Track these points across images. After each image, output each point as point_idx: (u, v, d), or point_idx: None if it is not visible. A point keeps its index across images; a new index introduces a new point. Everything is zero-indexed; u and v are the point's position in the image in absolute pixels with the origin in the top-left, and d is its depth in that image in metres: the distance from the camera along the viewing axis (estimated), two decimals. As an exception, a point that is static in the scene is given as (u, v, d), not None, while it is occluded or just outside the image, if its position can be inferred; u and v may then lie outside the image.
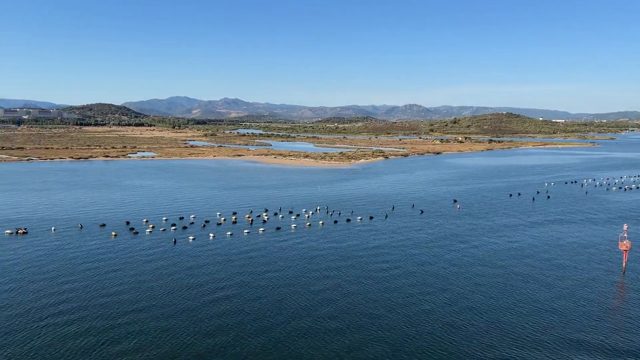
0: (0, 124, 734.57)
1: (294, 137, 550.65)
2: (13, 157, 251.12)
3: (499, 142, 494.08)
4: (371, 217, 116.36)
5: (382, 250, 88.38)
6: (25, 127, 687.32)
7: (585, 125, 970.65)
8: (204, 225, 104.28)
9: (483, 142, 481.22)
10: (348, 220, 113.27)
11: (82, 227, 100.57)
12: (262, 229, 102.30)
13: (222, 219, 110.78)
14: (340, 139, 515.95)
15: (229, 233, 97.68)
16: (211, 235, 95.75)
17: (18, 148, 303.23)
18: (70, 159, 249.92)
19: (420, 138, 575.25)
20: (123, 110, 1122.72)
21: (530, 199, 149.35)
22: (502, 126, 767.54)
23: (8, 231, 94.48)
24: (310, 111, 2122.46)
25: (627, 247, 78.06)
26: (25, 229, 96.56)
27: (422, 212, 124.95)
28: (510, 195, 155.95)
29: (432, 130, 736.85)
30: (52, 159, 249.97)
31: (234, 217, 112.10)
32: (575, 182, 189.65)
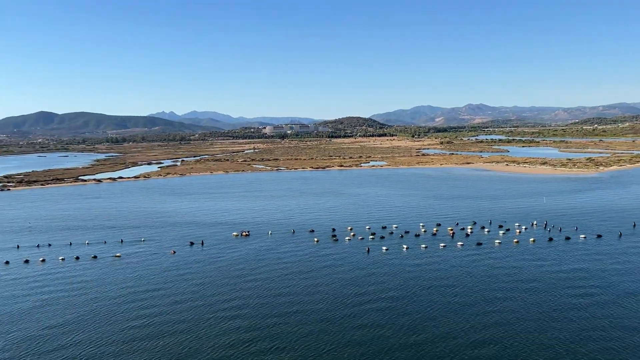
0: (269, 138, 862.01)
1: (538, 142, 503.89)
2: (267, 168, 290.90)
3: None
4: (599, 236, 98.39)
5: (597, 276, 73.54)
6: (287, 140, 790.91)
7: None
8: (402, 236, 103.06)
9: None
10: (567, 238, 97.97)
11: (294, 232, 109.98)
12: (461, 243, 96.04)
13: (423, 230, 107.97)
14: (595, 143, 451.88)
15: (423, 246, 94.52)
16: (404, 246, 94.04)
17: (274, 159, 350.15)
18: (311, 169, 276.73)
19: None
20: (369, 122, 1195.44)
21: None
22: None
23: (234, 233, 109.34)
24: (565, 112, 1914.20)
25: None
26: (248, 231, 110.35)
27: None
28: None
29: None
30: (296, 168, 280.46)
31: (435, 229, 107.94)
32: None
